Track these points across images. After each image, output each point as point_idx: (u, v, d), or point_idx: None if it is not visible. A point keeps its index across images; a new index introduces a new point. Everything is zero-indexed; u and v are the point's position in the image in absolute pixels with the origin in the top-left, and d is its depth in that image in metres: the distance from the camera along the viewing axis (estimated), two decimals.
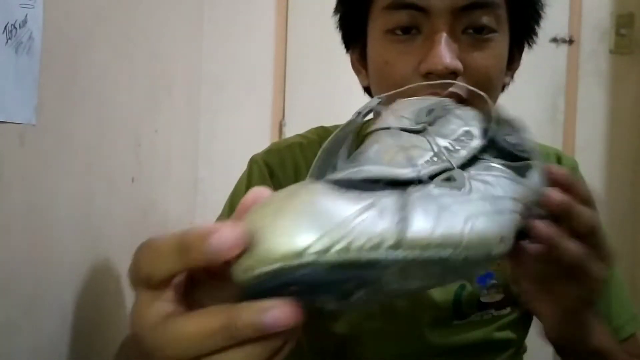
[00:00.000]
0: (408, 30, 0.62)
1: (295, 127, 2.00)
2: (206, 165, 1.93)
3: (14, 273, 0.77)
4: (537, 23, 0.70)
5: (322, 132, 0.80)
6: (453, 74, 0.60)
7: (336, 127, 0.80)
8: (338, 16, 0.74)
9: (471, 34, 0.62)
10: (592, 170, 1.95)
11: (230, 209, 0.77)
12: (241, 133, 1.96)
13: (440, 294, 0.74)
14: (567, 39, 1.96)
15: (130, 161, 1.21)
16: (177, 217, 1.64)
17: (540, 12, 0.70)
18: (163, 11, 1.42)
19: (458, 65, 0.60)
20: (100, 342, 1.08)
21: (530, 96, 1.90)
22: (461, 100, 0.60)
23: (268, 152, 0.78)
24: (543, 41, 1.92)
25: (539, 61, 1.90)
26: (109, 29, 1.06)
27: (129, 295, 1.21)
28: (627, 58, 1.95)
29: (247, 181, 0.76)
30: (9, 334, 0.76)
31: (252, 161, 0.78)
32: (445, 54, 0.59)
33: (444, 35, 0.60)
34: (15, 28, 0.71)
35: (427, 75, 0.61)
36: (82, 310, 0.97)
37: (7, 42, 0.70)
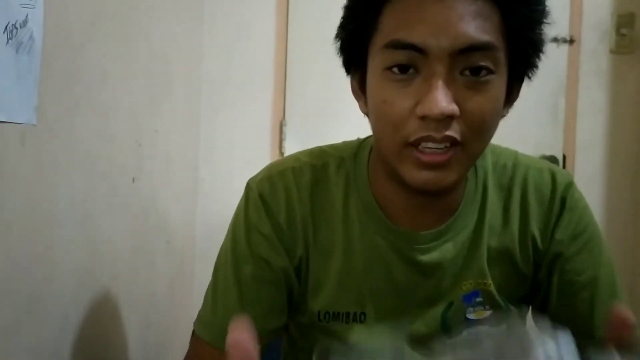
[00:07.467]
0: (406, 69, 0.63)
1: (295, 127, 2.00)
2: (206, 165, 1.93)
3: (14, 273, 0.77)
4: (538, 58, 0.69)
5: (318, 153, 0.80)
6: (449, 117, 0.61)
7: (333, 147, 0.81)
8: (338, 42, 0.72)
9: (468, 76, 0.62)
10: (592, 170, 1.95)
11: (233, 242, 0.77)
12: (241, 133, 1.96)
13: (430, 313, 0.76)
14: (568, 38, 1.96)
15: (130, 161, 1.21)
16: (177, 217, 1.64)
17: (541, 49, 0.68)
18: (163, 11, 1.42)
19: (454, 110, 0.61)
20: (100, 342, 1.08)
21: (530, 96, 1.89)
22: (456, 143, 0.63)
23: (261, 180, 0.78)
24: None
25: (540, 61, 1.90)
26: (109, 29, 1.06)
27: (128, 295, 1.21)
28: (628, 58, 1.95)
29: (245, 215, 0.77)
30: (10, 334, 0.76)
31: (248, 188, 0.78)
32: (442, 99, 0.60)
33: (441, 80, 0.61)
34: (16, 28, 0.71)
35: (423, 118, 0.62)
36: (82, 310, 0.97)
37: (7, 42, 0.70)
